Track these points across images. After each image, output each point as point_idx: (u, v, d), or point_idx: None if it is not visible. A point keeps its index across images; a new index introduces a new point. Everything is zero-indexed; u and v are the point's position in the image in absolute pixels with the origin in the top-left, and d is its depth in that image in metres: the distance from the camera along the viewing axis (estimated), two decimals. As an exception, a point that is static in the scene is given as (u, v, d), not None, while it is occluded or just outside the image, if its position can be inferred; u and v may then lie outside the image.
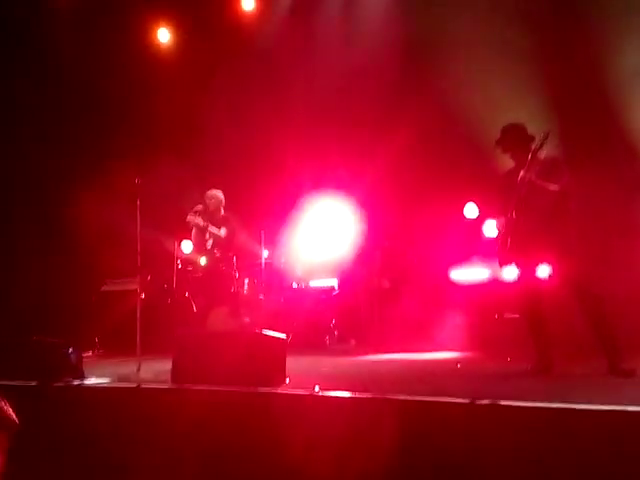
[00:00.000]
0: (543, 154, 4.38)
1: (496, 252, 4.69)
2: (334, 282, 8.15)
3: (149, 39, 9.43)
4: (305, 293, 8.08)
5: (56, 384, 4.66)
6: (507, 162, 4.80)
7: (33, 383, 4.68)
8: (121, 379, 4.76)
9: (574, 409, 2.90)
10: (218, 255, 6.32)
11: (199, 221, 6.29)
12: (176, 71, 9.20)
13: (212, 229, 6.32)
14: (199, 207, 6.33)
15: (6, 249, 8.49)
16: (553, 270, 4.44)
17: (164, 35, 9.51)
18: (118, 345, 7.24)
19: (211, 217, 6.38)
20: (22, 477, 1.80)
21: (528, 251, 4.44)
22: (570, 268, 4.32)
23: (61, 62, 8.69)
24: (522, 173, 4.34)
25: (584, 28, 6.73)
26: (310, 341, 7.51)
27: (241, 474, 3.65)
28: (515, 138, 4.54)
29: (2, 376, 4.85)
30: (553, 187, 4.30)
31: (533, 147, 4.30)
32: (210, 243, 6.39)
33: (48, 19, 8.61)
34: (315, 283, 8.20)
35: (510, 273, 4.78)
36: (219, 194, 6.49)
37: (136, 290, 6.24)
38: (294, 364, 4.65)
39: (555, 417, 2.93)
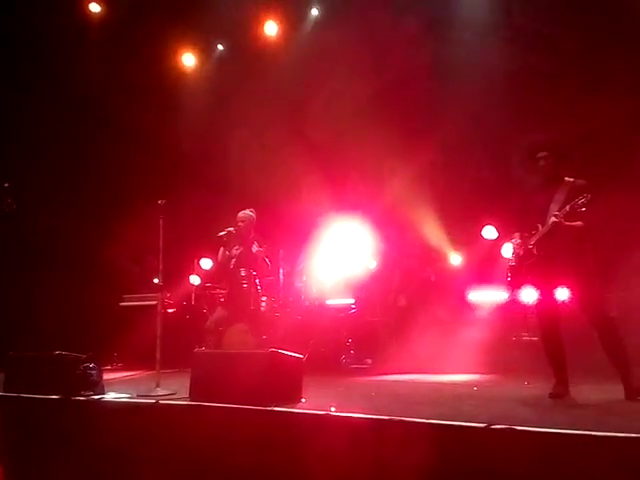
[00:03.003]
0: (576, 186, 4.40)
1: (507, 275, 4.72)
2: (351, 301, 8.14)
3: (172, 63, 9.60)
4: (322, 311, 8.09)
5: (77, 398, 4.74)
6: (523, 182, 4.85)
7: (55, 397, 4.77)
8: (140, 395, 4.82)
9: (590, 435, 2.89)
10: (243, 274, 6.33)
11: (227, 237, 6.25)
12: (197, 95, 9.36)
13: (254, 248, 6.29)
14: (230, 229, 6.30)
15: (29, 265, 8.65)
16: (571, 293, 4.43)
17: (189, 59, 9.66)
18: (136, 360, 7.33)
19: (241, 238, 6.36)
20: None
21: (546, 274, 4.46)
22: (587, 291, 4.33)
23: (85, 88, 8.88)
24: (553, 218, 4.35)
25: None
26: (326, 360, 7.51)
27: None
28: (559, 162, 4.55)
29: (25, 389, 4.97)
30: (579, 224, 4.35)
31: (575, 203, 4.24)
32: (233, 262, 6.40)
33: (72, 44, 8.83)
34: (332, 302, 8.21)
35: (528, 295, 4.78)
36: (252, 214, 6.47)
37: (155, 306, 6.32)
38: (310, 383, 4.67)
39: (572, 443, 2.91)
